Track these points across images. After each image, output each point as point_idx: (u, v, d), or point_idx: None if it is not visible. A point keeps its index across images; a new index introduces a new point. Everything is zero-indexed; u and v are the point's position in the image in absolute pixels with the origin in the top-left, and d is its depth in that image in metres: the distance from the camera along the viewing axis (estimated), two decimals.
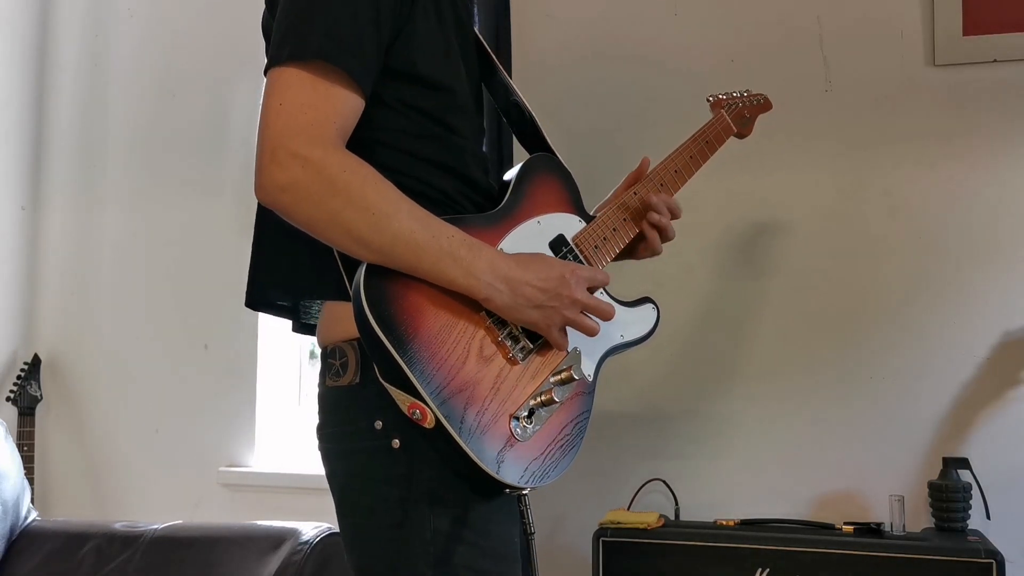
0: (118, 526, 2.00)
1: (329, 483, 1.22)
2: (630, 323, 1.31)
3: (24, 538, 2.02)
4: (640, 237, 1.38)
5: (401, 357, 1.04)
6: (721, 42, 2.37)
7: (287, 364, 2.76)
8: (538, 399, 1.14)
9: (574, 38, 2.48)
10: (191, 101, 2.77)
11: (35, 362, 2.74)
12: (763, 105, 1.76)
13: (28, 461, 2.49)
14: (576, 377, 1.17)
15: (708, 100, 1.67)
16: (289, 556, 1.77)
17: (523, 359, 1.15)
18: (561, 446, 1.16)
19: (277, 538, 1.83)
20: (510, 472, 1.09)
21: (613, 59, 2.44)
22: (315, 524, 1.87)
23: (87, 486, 2.76)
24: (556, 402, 1.14)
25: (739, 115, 1.66)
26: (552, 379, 1.17)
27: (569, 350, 1.20)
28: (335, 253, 1.16)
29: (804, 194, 2.29)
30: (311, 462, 2.62)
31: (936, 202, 2.21)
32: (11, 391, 2.68)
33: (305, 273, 1.23)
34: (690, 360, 2.33)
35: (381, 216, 1.06)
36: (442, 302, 1.10)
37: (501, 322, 1.14)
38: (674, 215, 1.39)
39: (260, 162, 1.06)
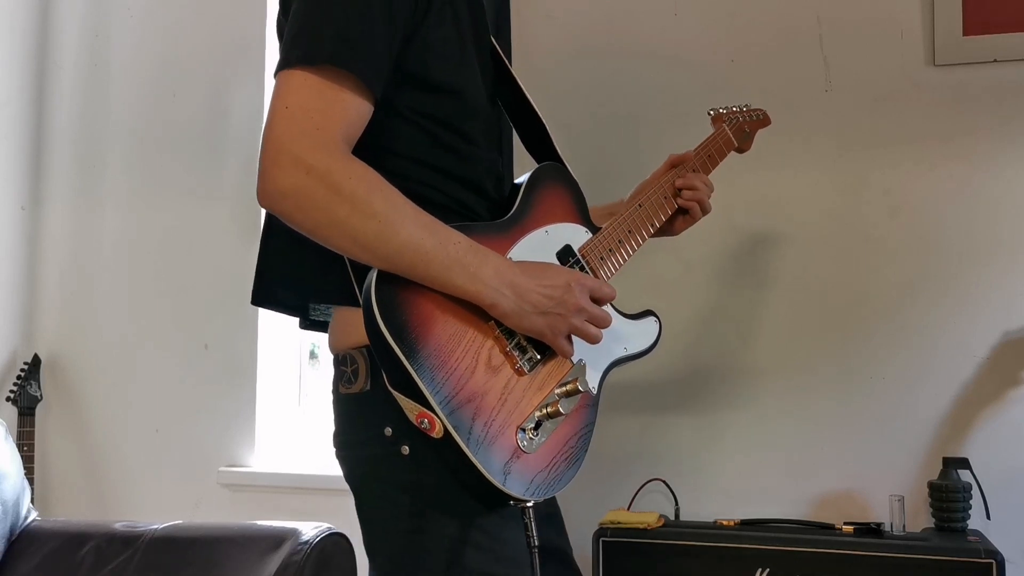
0: (118, 526, 1.99)
1: (350, 488, 1.23)
2: (633, 336, 1.32)
3: (24, 538, 2.01)
4: (672, 219, 1.50)
5: (411, 365, 1.03)
6: (721, 42, 2.37)
7: (287, 364, 2.76)
8: (544, 411, 1.14)
9: (574, 39, 2.47)
10: (191, 101, 2.76)
11: (35, 362, 2.74)
12: (762, 120, 1.79)
13: (28, 461, 2.48)
14: (581, 389, 1.17)
15: (709, 114, 1.69)
16: (289, 556, 1.76)
17: (530, 370, 1.15)
18: (566, 458, 1.16)
19: (277, 538, 1.83)
20: (516, 484, 1.09)
21: (613, 60, 2.44)
22: (315, 524, 1.86)
23: (87, 486, 2.76)
24: (562, 414, 1.14)
25: (739, 129, 1.68)
26: (558, 391, 1.16)
27: (575, 361, 1.20)
28: (344, 258, 1.15)
29: (804, 194, 2.29)
30: (311, 462, 2.62)
31: (936, 202, 2.21)
32: (11, 391, 2.67)
33: (313, 275, 1.22)
34: (690, 360, 2.32)
35: (387, 224, 1.05)
36: (452, 311, 1.09)
37: (509, 332, 1.13)
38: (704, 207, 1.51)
39: (263, 166, 1.04)
